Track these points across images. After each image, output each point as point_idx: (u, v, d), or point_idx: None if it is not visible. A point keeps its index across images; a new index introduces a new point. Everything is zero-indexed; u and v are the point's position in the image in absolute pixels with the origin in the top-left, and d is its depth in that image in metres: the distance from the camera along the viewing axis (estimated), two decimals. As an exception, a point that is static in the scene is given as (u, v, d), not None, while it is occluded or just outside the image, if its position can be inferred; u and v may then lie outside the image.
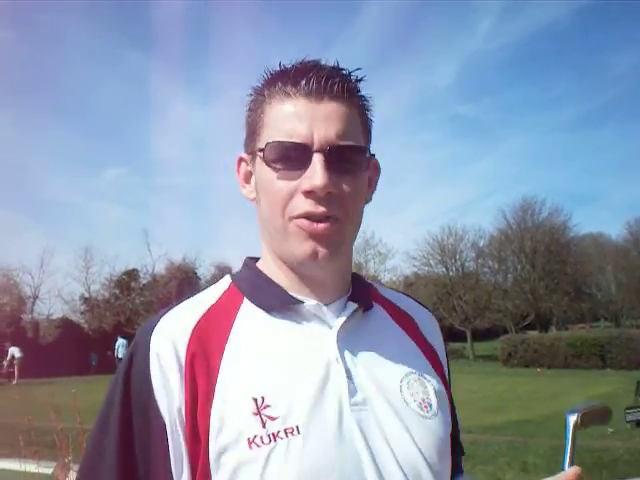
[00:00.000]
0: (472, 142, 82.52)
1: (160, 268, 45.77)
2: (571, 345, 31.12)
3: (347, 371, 1.10)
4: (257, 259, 1.26)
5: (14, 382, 26.32)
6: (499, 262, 49.56)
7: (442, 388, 1.22)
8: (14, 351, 28.51)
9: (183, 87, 73.07)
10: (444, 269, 49.64)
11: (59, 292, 47.34)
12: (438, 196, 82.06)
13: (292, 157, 1.08)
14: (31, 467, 5.32)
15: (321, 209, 1.07)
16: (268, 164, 1.10)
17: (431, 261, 50.18)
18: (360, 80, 1.15)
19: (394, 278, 53.35)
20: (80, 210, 68.71)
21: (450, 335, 48.02)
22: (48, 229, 75.30)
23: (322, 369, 1.09)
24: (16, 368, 28.15)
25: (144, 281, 45.39)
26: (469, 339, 44.44)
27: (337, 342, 1.12)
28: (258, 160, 1.14)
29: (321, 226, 1.08)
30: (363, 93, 1.16)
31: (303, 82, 1.09)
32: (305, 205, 1.07)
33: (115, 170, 76.79)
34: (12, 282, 45.56)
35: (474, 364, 36.43)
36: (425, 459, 1.09)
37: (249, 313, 1.15)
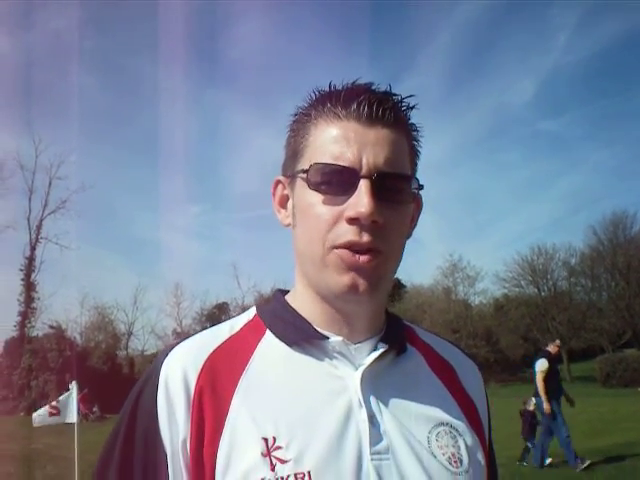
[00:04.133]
0: (556, 158, 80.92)
1: (249, 300, 46.44)
2: (673, 362, 30.12)
3: (370, 416, 1.02)
4: (287, 292, 1.20)
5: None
6: (592, 280, 48.40)
7: (477, 444, 1.11)
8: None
9: (260, 119, 74.15)
10: (535, 290, 48.91)
11: (152, 328, 48.97)
12: (525, 215, 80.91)
13: (337, 181, 1.02)
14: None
15: (365, 239, 1.00)
16: (311, 187, 1.04)
17: (522, 282, 49.60)
18: (412, 108, 1.09)
19: (484, 301, 52.72)
20: (169, 247, 70.68)
21: (545, 357, 47.02)
22: (140, 266, 77.91)
23: (343, 412, 1.01)
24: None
25: (234, 314, 45.71)
26: (565, 360, 43.46)
27: (361, 384, 1.04)
28: (299, 183, 1.08)
29: (363, 258, 1.00)
30: (413, 122, 1.11)
31: (354, 105, 1.04)
32: (348, 234, 1.01)
33: (200, 206, 78.51)
34: (107, 320, 47.03)
35: (572, 386, 35.47)
36: None
37: (270, 346, 1.09)
